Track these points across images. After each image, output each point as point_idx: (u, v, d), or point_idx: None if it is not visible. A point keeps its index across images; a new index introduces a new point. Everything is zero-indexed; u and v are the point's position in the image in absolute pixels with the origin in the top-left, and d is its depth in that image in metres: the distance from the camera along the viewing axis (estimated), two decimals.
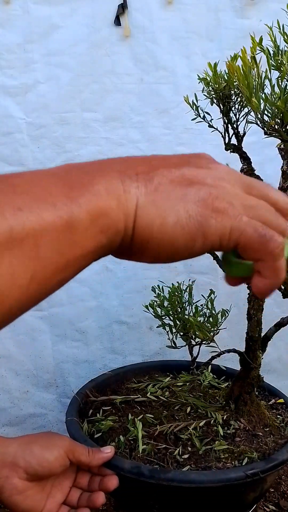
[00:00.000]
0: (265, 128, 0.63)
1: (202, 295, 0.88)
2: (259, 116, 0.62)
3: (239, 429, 0.77)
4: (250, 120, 0.72)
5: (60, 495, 0.62)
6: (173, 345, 0.87)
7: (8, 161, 1.03)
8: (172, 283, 0.91)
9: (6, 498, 0.57)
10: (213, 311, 0.84)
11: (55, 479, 0.63)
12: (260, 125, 0.64)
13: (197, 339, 0.85)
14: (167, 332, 0.88)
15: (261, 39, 0.63)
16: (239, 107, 0.74)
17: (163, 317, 0.87)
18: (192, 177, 0.31)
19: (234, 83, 0.70)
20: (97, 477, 0.65)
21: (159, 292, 0.86)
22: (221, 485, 0.63)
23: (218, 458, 0.71)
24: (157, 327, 0.82)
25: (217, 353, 0.80)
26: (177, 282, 0.90)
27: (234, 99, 0.73)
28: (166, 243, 0.30)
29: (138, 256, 0.32)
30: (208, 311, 0.85)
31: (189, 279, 0.94)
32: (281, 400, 0.87)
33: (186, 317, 0.82)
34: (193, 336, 0.85)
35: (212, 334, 0.78)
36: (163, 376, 0.95)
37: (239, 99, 0.73)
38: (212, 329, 0.80)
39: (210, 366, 0.95)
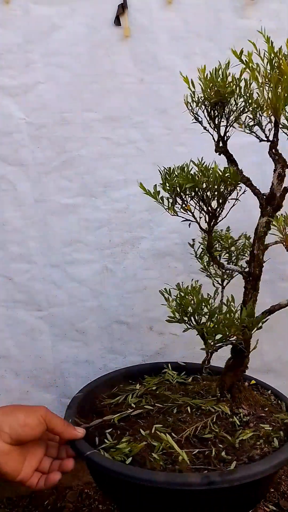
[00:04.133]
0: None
1: (208, 294, 0.88)
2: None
3: (246, 415, 0.79)
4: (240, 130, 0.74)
5: (34, 462, 0.70)
6: (208, 348, 0.74)
7: (8, 161, 1.03)
8: (178, 283, 0.90)
9: None
10: (233, 307, 0.75)
11: (30, 447, 0.70)
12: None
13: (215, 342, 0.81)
14: (206, 335, 0.74)
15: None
16: (227, 112, 0.75)
17: (185, 321, 0.76)
18: None
19: (227, 91, 0.71)
20: (63, 452, 0.75)
21: (168, 296, 0.77)
22: (279, 468, 0.67)
23: (253, 446, 0.72)
24: (183, 331, 0.76)
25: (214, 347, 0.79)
26: (194, 281, 0.86)
27: (225, 103, 0.74)
28: None
29: None
30: (227, 308, 0.80)
31: (192, 279, 0.94)
32: (253, 381, 0.91)
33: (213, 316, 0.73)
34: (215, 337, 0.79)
35: (249, 332, 0.72)
36: (129, 384, 0.92)
37: (228, 105, 0.74)
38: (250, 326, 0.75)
39: (169, 365, 0.97)
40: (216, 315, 0.70)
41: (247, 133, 0.77)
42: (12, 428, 0.66)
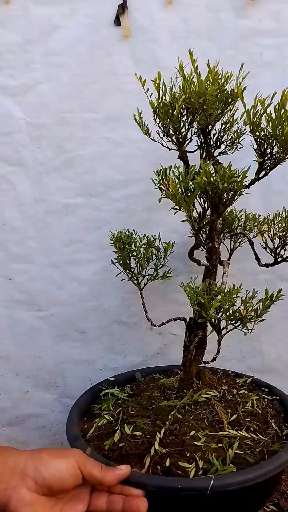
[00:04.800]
0: None
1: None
2: None
3: (226, 390, 0.88)
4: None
5: None
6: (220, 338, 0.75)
7: (8, 161, 1.03)
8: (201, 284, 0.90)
9: (12, 510, 0.51)
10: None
11: (67, 501, 0.57)
12: None
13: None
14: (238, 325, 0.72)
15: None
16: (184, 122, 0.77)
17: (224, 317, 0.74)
18: None
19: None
20: (118, 497, 0.59)
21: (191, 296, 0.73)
22: None
23: (265, 409, 0.84)
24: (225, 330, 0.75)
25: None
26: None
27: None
28: None
29: None
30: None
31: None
32: None
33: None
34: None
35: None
36: (90, 421, 0.84)
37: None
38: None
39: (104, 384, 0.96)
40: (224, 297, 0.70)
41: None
42: (37, 471, 0.53)
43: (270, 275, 1.07)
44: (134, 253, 0.89)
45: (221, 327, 0.74)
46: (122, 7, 0.97)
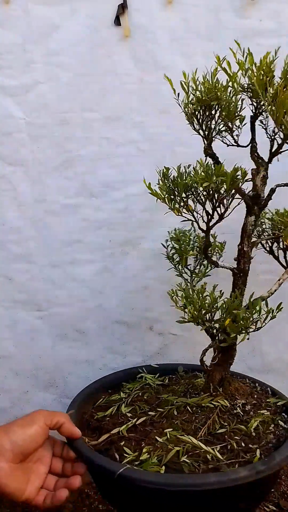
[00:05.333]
0: None
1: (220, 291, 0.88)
2: None
3: (243, 405, 0.82)
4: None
5: (38, 480, 0.69)
6: (216, 345, 0.78)
7: (8, 161, 1.03)
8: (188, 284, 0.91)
9: None
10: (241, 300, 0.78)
11: (33, 465, 0.69)
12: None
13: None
14: (217, 334, 0.78)
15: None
16: (216, 116, 0.76)
17: (199, 321, 0.77)
18: None
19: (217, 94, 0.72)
20: (69, 464, 0.72)
21: (177, 299, 0.77)
22: None
23: (265, 432, 0.75)
24: (201, 330, 0.77)
25: (209, 344, 0.80)
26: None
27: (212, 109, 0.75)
28: None
29: None
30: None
31: (192, 280, 0.94)
32: None
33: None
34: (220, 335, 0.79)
35: (248, 330, 0.74)
36: (111, 395, 0.91)
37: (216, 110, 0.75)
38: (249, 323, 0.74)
39: (144, 368, 0.99)
40: (234, 310, 0.71)
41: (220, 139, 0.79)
42: (13, 443, 0.65)
43: (270, 276, 1.06)
44: (192, 251, 0.90)
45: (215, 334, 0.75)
46: (122, 7, 0.97)
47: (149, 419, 0.79)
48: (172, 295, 0.76)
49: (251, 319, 0.71)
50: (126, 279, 1.09)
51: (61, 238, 1.06)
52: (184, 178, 0.73)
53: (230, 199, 0.72)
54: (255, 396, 0.86)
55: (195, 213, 0.74)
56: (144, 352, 1.13)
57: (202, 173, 0.69)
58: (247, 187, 0.79)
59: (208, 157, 0.79)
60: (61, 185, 1.04)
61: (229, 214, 0.74)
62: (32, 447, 0.67)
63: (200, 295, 0.74)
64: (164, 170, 0.76)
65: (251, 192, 0.79)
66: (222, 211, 0.73)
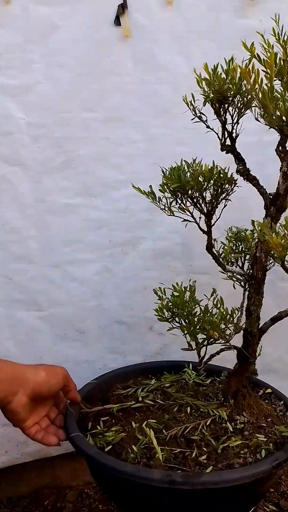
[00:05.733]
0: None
1: (204, 295, 0.88)
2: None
3: (244, 423, 0.78)
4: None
5: (38, 416, 0.80)
6: (189, 347, 0.79)
7: (8, 161, 1.03)
8: (174, 284, 0.90)
9: (12, 407, 0.73)
10: (223, 310, 0.77)
11: (40, 403, 0.79)
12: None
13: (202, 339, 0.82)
14: (184, 334, 0.78)
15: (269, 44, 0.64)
16: (238, 108, 0.74)
17: (170, 319, 0.80)
18: None
19: (234, 84, 0.70)
20: (60, 418, 0.83)
21: (162, 295, 0.81)
22: (253, 480, 0.65)
23: (237, 454, 0.71)
24: (167, 330, 0.79)
25: (216, 351, 0.80)
26: (178, 282, 0.88)
27: (231, 100, 0.73)
28: None
29: None
30: (218, 310, 0.79)
31: (190, 279, 0.94)
32: (269, 390, 0.90)
33: (195, 317, 0.76)
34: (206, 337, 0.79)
35: (229, 333, 0.74)
36: (147, 379, 0.95)
37: (237, 100, 0.73)
38: (229, 327, 0.75)
39: (190, 364, 0.98)
40: (208, 314, 0.71)
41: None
42: (36, 383, 0.75)
43: (270, 276, 1.06)
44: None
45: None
46: (122, 7, 0.97)
47: (145, 407, 0.84)
48: (159, 292, 0.77)
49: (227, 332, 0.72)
50: (126, 279, 1.09)
51: (61, 238, 1.06)
52: (185, 178, 0.73)
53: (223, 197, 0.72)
54: (269, 419, 0.80)
55: (194, 214, 0.74)
56: (144, 352, 1.13)
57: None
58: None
59: (230, 153, 0.77)
60: (61, 185, 1.04)
61: (220, 215, 0.73)
62: (47, 394, 0.78)
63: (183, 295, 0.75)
64: (165, 170, 0.76)
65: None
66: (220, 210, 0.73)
